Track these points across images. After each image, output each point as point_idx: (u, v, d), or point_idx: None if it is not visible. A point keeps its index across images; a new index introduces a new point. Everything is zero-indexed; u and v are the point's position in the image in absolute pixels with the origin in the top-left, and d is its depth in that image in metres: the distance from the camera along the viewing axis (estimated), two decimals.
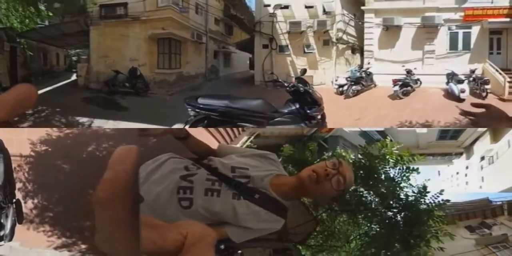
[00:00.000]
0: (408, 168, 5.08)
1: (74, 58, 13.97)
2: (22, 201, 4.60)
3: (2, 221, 3.85)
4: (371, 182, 5.03)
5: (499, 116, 1.47)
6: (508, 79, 8.47)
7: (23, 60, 9.83)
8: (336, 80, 9.42)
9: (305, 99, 4.50)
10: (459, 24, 9.59)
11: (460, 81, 8.39)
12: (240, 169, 1.47)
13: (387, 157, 5.07)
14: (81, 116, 6.51)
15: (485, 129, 10.94)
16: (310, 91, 4.54)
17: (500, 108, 1.51)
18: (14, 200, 4.34)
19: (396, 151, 5.13)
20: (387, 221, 5.07)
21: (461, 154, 15.04)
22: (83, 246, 4.74)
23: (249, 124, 4.01)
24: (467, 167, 15.60)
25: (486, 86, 8.43)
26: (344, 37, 10.28)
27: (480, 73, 8.98)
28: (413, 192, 5.06)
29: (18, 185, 4.76)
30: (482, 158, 14.12)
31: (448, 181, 17.98)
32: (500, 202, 10.76)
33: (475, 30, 9.55)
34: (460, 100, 8.15)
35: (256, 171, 1.48)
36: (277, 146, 5.92)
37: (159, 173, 1.46)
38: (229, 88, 9.83)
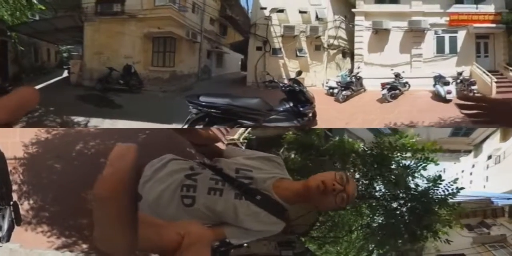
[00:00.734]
0: (427, 158, 5.11)
1: (65, 55, 13.81)
2: (18, 203, 4.61)
3: None
4: (381, 170, 5.07)
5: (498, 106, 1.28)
6: (496, 80, 8.80)
7: (14, 55, 9.64)
8: (327, 83, 9.67)
9: (298, 98, 4.82)
10: (445, 28, 9.91)
11: (447, 83, 8.66)
12: (244, 170, 1.49)
13: (406, 146, 5.09)
14: (76, 115, 6.49)
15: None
16: (304, 90, 4.87)
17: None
18: (11, 202, 4.39)
19: (415, 142, 5.19)
20: (392, 212, 5.09)
21: (469, 152, 14.92)
22: (84, 246, 4.76)
23: (248, 121, 4.19)
24: (473, 166, 15.45)
25: (473, 87, 8.73)
26: (335, 42, 10.53)
27: (468, 75, 9.27)
28: (427, 180, 5.06)
29: (14, 187, 4.79)
30: (489, 157, 14.03)
31: (451, 179, 17.84)
32: (502, 204, 10.76)
33: (461, 35, 9.88)
34: (446, 101, 8.38)
35: (260, 173, 1.49)
36: (277, 137, 6.01)
37: (163, 171, 1.48)
38: (222, 88, 9.91)
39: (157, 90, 8.69)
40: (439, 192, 5.04)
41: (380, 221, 5.33)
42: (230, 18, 11.67)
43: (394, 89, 8.90)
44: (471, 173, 15.63)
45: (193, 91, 8.92)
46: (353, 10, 10.38)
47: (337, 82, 9.17)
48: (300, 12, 10.02)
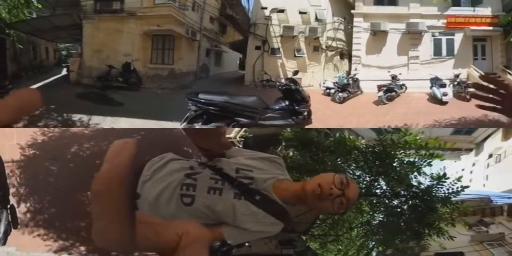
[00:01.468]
0: (431, 154, 5.03)
1: (64, 53, 13.82)
2: (16, 206, 4.62)
3: None
4: (381, 169, 5.01)
5: None
6: None
7: (13, 53, 9.63)
8: (324, 83, 9.74)
9: (294, 97, 4.91)
10: (442, 31, 9.97)
11: (443, 85, 8.65)
12: (244, 170, 1.48)
13: (411, 144, 5.02)
14: (76, 113, 6.53)
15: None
16: (300, 89, 4.96)
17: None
18: (8, 206, 4.38)
19: (419, 140, 5.11)
20: (393, 210, 5.06)
21: (470, 150, 14.88)
22: (82, 248, 4.73)
23: (244, 119, 4.24)
24: (473, 164, 15.41)
25: (470, 89, 8.67)
26: (334, 44, 10.59)
27: (465, 78, 9.32)
28: (432, 178, 5.01)
29: (11, 190, 4.79)
30: (490, 156, 14.00)
31: (453, 177, 17.82)
32: (501, 203, 10.82)
33: (458, 37, 9.93)
34: (442, 103, 8.42)
35: (260, 173, 1.48)
36: (274, 135, 6.02)
37: (164, 170, 1.48)
38: (220, 87, 9.90)
39: (156, 87, 8.73)
40: (443, 190, 5.02)
41: (380, 218, 5.34)
42: (230, 17, 11.71)
43: (390, 91, 8.92)
44: (471, 172, 15.59)
45: (191, 89, 8.97)
46: (352, 11, 10.45)
47: (334, 83, 9.22)
48: (300, 12, 10.08)
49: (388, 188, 5.09)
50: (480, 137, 14.16)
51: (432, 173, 5.17)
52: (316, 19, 10.08)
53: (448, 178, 5.04)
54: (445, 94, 8.50)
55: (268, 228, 1.43)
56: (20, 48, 9.54)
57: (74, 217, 4.74)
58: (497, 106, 1.21)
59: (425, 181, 5.14)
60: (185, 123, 4.17)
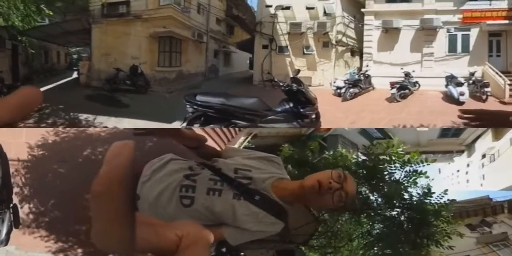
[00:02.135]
0: (415, 171, 4.99)
1: (75, 56, 14.09)
2: (18, 206, 4.57)
3: None
4: (374, 182, 4.97)
5: (496, 117, 1.45)
6: (509, 82, 8.40)
7: (25, 58, 9.93)
8: (334, 82, 9.47)
9: (298, 99, 4.60)
10: (458, 26, 9.64)
11: (459, 84, 8.32)
12: (242, 170, 1.48)
13: (393, 158, 4.98)
14: (83, 113, 6.61)
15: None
16: (304, 90, 4.63)
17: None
18: (11, 205, 4.39)
19: (402, 152, 5.06)
20: (390, 221, 5.01)
21: (462, 152, 14.94)
22: (79, 250, 4.69)
23: (243, 121, 4.09)
24: (468, 165, 15.57)
25: (486, 89, 8.36)
26: (344, 39, 10.34)
27: (480, 76, 8.95)
28: (418, 193, 4.98)
29: (15, 189, 4.74)
30: (483, 156, 14.11)
31: (449, 179, 17.95)
32: (501, 201, 10.80)
33: (474, 33, 9.60)
34: (459, 103, 8.06)
35: (259, 173, 1.48)
36: (275, 146, 5.92)
37: (163, 171, 1.48)
38: (228, 87, 9.86)
39: (164, 91, 8.73)
40: (432, 203, 4.99)
41: (379, 229, 5.27)
42: (237, 17, 11.67)
43: (404, 88, 8.68)
44: (467, 172, 15.93)
45: (199, 90, 8.94)
46: (362, 10, 10.25)
47: (344, 81, 9.01)
48: (307, 8, 9.88)
49: (383, 201, 5.06)
50: (469, 138, 14.11)
51: (422, 184, 5.09)
52: (325, 13, 9.84)
53: (433, 193, 4.97)
54: (462, 94, 8.15)
55: (269, 227, 1.43)
56: (32, 52, 9.82)
57: (77, 222, 4.67)
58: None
59: (416, 193, 5.08)
60: (185, 124, 4.07)
